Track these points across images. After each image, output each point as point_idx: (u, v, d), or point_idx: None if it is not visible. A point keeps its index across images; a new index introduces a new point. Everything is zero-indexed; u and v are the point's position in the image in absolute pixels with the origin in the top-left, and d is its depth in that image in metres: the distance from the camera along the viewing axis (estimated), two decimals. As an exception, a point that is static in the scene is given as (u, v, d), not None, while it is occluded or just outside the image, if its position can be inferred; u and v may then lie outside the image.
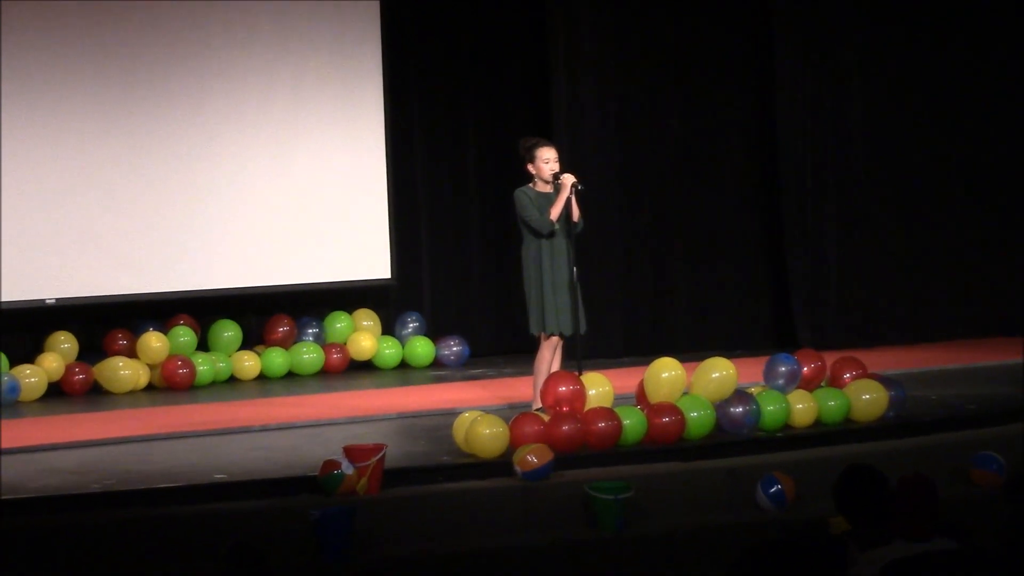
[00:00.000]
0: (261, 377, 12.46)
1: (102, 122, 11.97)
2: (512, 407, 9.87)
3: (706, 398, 8.89)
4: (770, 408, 8.96)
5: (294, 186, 12.56)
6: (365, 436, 8.91)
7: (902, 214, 13.28)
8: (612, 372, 9.69)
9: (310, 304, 12.96)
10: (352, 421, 10.03)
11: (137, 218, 12.07)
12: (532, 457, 8.06)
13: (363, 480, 7.80)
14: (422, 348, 12.96)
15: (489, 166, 13.34)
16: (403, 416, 10.29)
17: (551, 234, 9.41)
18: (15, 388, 11.38)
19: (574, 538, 7.80)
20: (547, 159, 9.48)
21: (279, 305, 12.77)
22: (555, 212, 9.37)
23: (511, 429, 8.45)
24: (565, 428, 8.48)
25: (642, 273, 13.12)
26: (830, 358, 9.57)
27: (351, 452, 7.90)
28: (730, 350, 11.57)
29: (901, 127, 13.23)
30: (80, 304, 11.95)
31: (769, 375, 9.19)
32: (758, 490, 8.20)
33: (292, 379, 12.49)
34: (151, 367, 12.03)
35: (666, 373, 8.90)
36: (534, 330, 9.53)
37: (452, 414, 9.13)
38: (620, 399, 9.07)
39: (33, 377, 11.55)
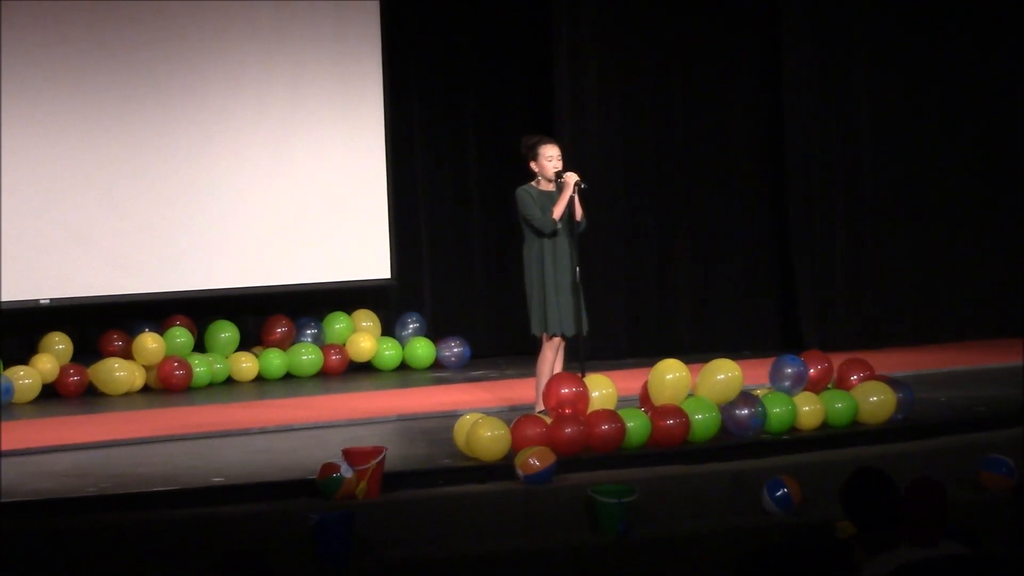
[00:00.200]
0: (259, 379, 12.45)
1: (98, 121, 11.96)
2: (514, 409, 9.89)
3: (711, 400, 8.87)
4: (776, 410, 8.95)
5: (293, 185, 12.57)
6: (365, 439, 8.94)
7: (910, 214, 13.31)
8: (615, 374, 9.68)
9: (309, 304, 12.96)
10: (351, 423, 10.02)
11: (133, 217, 12.06)
12: (534, 460, 8.05)
13: (362, 483, 7.77)
14: (422, 349, 12.95)
15: (490, 164, 13.34)
16: (403, 418, 10.27)
17: (554, 233, 9.37)
18: (9, 390, 11.36)
19: (577, 543, 7.77)
20: (550, 156, 9.45)
21: (277, 305, 12.76)
22: (558, 211, 9.33)
23: (513, 432, 8.44)
24: (568, 430, 8.46)
25: (646, 273, 13.11)
26: (837, 359, 9.56)
27: (350, 455, 7.88)
28: (735, 351, 11.59)
29: (910, 127, 13.26)
30: (75, 304, 11.93)
31: (775, 377, 9.16)
32: (764, 494, 8.16)
33: (290, 381, 12.48)
34: (147, 368, 12.03)
35: (670, 375, 8.89)
36: (535, 331, 9.50)
37: (453, 416, 9.11)
38: (624, 401, 9.07)
39: (27, 379, 11.54)
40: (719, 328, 13.09)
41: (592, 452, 8.49)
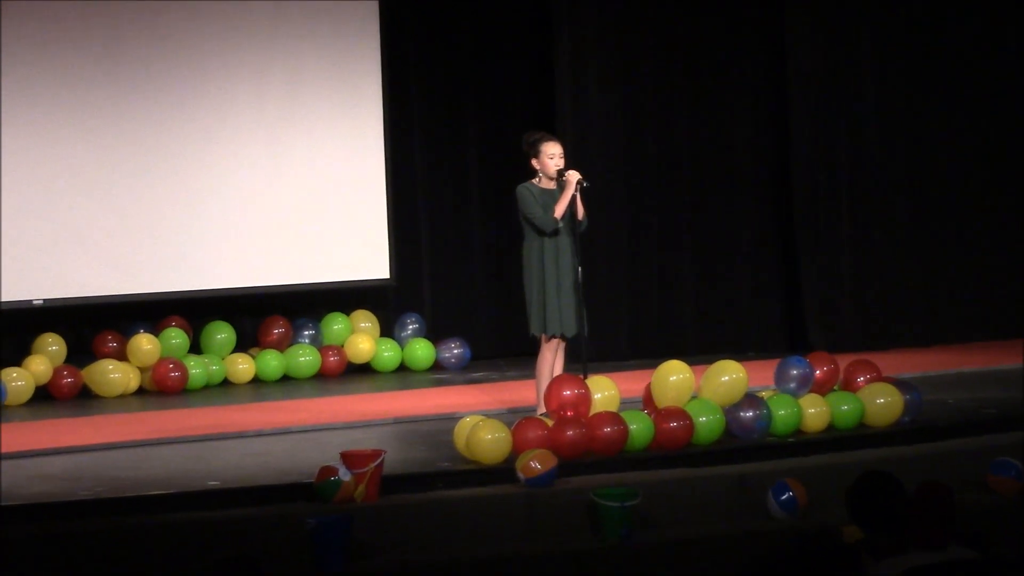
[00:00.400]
0: (255, 380, 12.43)
1: (93, 121, 11.94)
2: (514, 411, 9.86)
3: (715, 402, 8.85)
4: (781, 412, 8.92)
5: (291, 185, 12.57)
6: (363, 441, 8.99)
7: (917, 214, 13.30)
8: (618, 375, 9.69)
9: (306, 305, 12.93)
10: (350, 426, 10.01)
11: (129, 217, 12.05)
12: (535, 463, 8.02)
13: (361, 487, 7.74)
14: (422, 350, 12.92)
15: (490, 163, 13.34)
16: (402, 421, 10.23)
17: (555, 232, 9.34)
18: (1, 392, 11.32)
19: (579, 547, 7.74)
20: (552, 154, 9.42)
21: (274, 306, 12.74)
22: (559, 209, 9.30)
23: (514, 434, 8.41)
24: (569, 433, 8.44)
25: (649, 273, 13.10)
26: (843, 361, 9.53)
27: (348, 458, 7.85)
28: (740, 352, 11.53)
29: (916, 127, 13.25)
30: (68, 305, 11.92)
31: (780, 378, 9.14)
32: (769, 497, 8.12)
33: (288, 382, 12.45)
34: (142, 370, 12.00)
35: (674, 376, 8.88)
36: (534, 331, 9.47)
37: (453, 419, 9.07)
38: (626, 403, 9.06)
39: (20, 380, 11.52)
40: (723, 329, 13.08)
41: (594, 455, 8.47)
